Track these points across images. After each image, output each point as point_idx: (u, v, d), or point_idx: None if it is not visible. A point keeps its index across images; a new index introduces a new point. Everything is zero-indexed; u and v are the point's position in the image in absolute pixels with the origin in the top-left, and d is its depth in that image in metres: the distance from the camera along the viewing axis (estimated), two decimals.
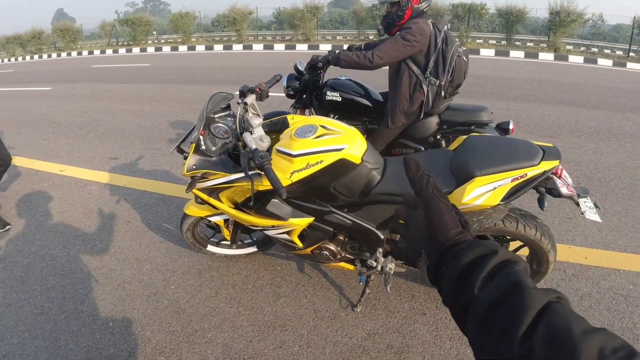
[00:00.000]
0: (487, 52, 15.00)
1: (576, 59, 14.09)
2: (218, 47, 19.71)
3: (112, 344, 2.26)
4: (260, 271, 2.74)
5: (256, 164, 1.69)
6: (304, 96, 3.49)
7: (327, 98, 3.26)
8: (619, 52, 16.69)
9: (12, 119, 7.73)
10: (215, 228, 2.73)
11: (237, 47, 19.26)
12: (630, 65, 13.53)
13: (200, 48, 20.12)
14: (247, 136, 1.83)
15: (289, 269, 2.74)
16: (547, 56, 14.46)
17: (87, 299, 2.61)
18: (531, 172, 1.78)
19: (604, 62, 13.80)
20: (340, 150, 1.85)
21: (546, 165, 1.79)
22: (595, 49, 17.21)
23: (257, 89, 2.09)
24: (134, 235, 3.26)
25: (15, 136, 6.44)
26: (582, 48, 17.42)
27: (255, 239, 2.80)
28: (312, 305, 2.43)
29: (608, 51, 16.98)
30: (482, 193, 1.77)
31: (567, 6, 15.77)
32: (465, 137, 2.09)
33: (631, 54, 15.75)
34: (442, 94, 2.80)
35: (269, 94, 2.22)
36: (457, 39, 2.84)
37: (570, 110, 6.72)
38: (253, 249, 2.80)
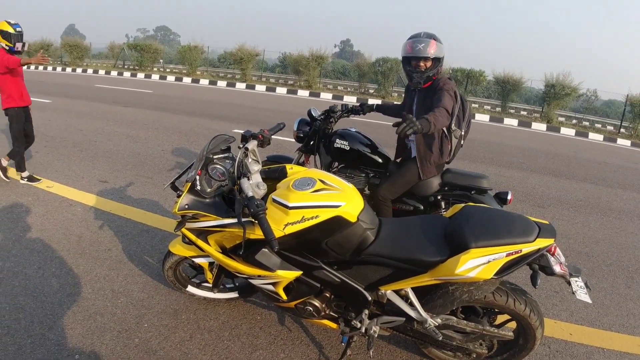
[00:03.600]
0: (482, 117, 15.41)
1: (568, 131, 14.52)
2: (222, 83, 20.06)
3: None
4: (238, 319, 2.64)
5: (251, 212, 1.66)
6: (312, 142, 3.54)
7: (335, 145, 3.33)
8: (609, 127, 17.26)
9: (6, 128, 7.65)
10: (198, 269, 2.66)
11: (240, 86, 19.62)
12: (621, 141, 13.98)
13: (204, 82, 20.44)
14: (244, 182, 1.81)
15: (268, 320, 2.65)
16: (539, 126, 14.88)
17: (56, 326, 2.48)
18: (526, 248, 1.76)
19: (595, 137, 14.23)
20: (337, 207, 1.83)
21: (541, 243, 1.78)
22: (587, 123, 17.78)
23: (260, 136, 2.09)
24: (113, 265, 3.16)
25: (7, 146, 6.35)
26: (574, 121, 18.00)
27: (237, 284, 2.71)
28: None
29: (599, 126, 17.56)
30: (476, 265, 1.74)
31: (563, 80, 16.40)
32: (462, 205, 2.09)
33: (622, 130, 16.29)
34: (462, 143, 3.04)
35: (271, 140, 2.22)
36: None
37: (561, 182, 6.84)
38: (234, 295, 2.72)
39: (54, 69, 25.19)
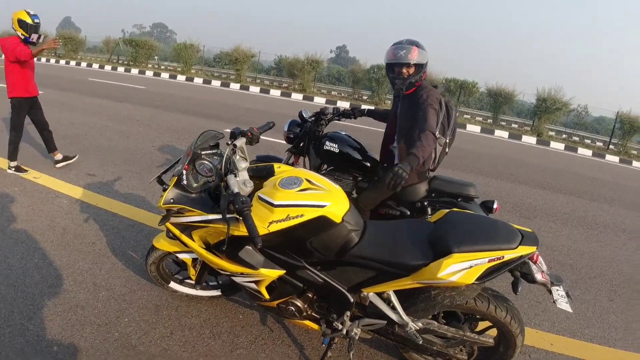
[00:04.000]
0: (473, 128, 15.52)
1: (557, 145, 14.68)
2: (216, 83, 20.00)
3: None
4: (220, 317, 2.62)
5: (236, 209, 1.66)
6: (302, 143, 3.54)
7: (325, 147, 3.31)
8: (599, 144, 17.49)
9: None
10: (182, 265, 2.64)
11: (235, 86, 19.58)
12: (609, 157, 14.16)
13: (199, 81, 20.36)
14: (231, 178, 1.81)
15: (250, 319, 2.63)
16: (529, 139, 15.03)
17: (36, 317, 2.45)
18: (508, 255, 1.78)
19: (584, 152, 14.40)
20: (322, 207, 1.83)
21: (524, 250, 1.80)
22: (577, 138, 17.99)
23: (249, 133, 2.08)
24: (96, 258, 3.13)
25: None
26: (564, 135, 18.20)
27: (220, 282, 2.70)
28: None
29: (589, 141, 17.78)
30: (458, 270, 1.75)
31: (554, 94, 16.59)
32: (446, 210, 2.10)
33: (611, 146, 16.50)
34: (447, 150, 3.01)
35: (260, 138, 2.22)
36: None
37: (548, 195, 6.90)
38: (217, 293, 2.70)
39: (48, 60, 24.95)
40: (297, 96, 18.21)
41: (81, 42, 26.63)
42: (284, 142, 3.69)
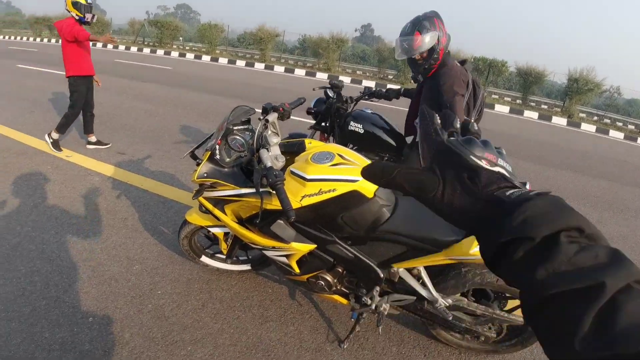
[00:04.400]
0: (502, 109, 15.17)
1: (588, 128, 14.24)
2: (240, 63, 19.99)
3: (89, 340, 2.18)
4: (250, 291, 2.68)
5: (269, 182, 1.67)
6: (326, 122, 3.48)
7: (349, 128, 3.24)
8: (631, 127, 16.89)
9: (27, 97, 7.78)
10: (213, 239, 2.69)
11: (259, 66, 19.53)
12: None
13: (223, 61, 20.39)
14: (263, 153, 1.81)
15: (279, 293, 2.68)
16: (560, 120, 14.61)
17: (71, 290, 2.54)
18: None
19: (616, 134, 13.94)
20: (354, 181, 1.83)
21: None
22: (608, 120, 17.43)
23: (281, 109, 2.08)
24: (129, 233, 3.21)
25: (28, 115, 6.47)
26: (595, 117, 17.64)
27: (250, 257, 2.74)
28: (298, 334, 2.36)
29: (620, 124, 17.20)
30: None
31: (587, 75, 16.04)
32: None
33: None
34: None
35: (291, 115, 2.22)
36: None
37: (578, 177, 6.73)
38: (247, 267, 2.75)
39: None
40: (321, 75, 18.07)
41: (107, 24, 26.96)
42: (311, 120, 3.68)
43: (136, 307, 2.45)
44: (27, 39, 28.37)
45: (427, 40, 2.58)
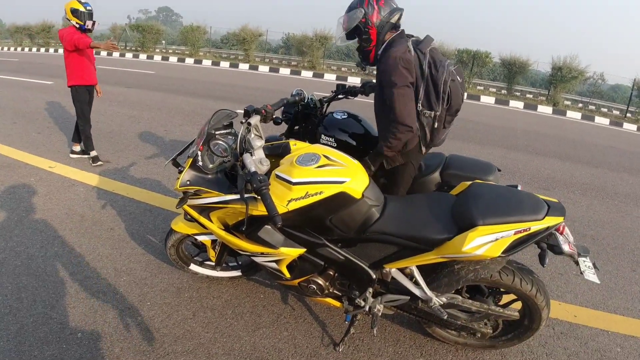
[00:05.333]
0: (487, 100, 15.25)
1: (574, 115, 14.37)
2: (224, 64, 19.88)
3: (78, 356, 2.13)
4: (241, 297, 2.63)
5: (253, 188, 1.62)
6: (296, 127, 3.06)
7: (322, 141, 2.83)
8: (615, 112, 17.07)
9: (9, 108, 7.63)
10: (201, 247, 2.64)
11: (244, 66, 19.45)
12: (627, 125, 13.84)
13: (207, 63, 20.26)
14: (247, 157, 1.77)
15: (271, 298, 2.64)
16: (545, 109, 14.72)
17: (58, 305, 2.48)
18: (535, 226, 1.72)
19: (601, 120, 14.09)
20: (341, 183, 1.79)
21: (550, 221, 1.74)
22: (593, 107, 17.58)
23: (263, 111, 2.03)
24: (116, 244, 3.15)
25: (10, 125, 6.34)
26: (580, 105, 17.80)
27: (240, 262, 2.70)
28: (292, 340, 2.31)
29: (605, 110, 17.36)
30: (483, 243, 1.71)
31: (570, 63, 16.17)
32: (469, 182, 2.05)
33: (628, 114, 16.10)
34: (442, 125, 2.36)
35: (274, 116, 2.18)
36: (447, 59, 2.32)
37: (566, 165, 6.77)
38: (237, 273, 2.70)
39: (56, 50, 25.00)
40: (306, 74, 18.03)
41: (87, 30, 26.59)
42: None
43: (125, 320, 2.39)
44: (8, 49, 27.96)
45: (348, 19, 2.28)
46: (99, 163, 4.86)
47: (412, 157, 2.46)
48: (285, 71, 18.52)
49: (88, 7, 4.50)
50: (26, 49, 27.09)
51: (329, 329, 2.42)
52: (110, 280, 2.73)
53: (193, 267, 2.70)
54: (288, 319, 2.48)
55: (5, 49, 28.34)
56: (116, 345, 2.21)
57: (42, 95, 9.20)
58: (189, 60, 20.76)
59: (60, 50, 24.49)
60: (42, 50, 25.71)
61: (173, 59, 21.13)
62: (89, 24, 4.52)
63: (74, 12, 4.45)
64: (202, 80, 13.45)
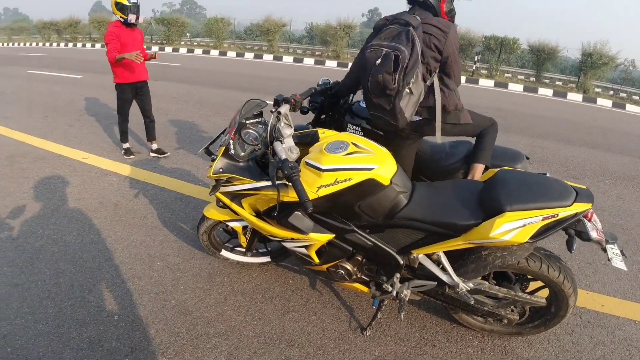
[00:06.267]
0: (516, 87, 14.95)
1: (604, 102, 13.97)
2: (249, 55, 20.00)
3: (115, 337, 2.23)
4: (271, 282, 2.70)
5: (285, 175, 1.67)
6: (323, 116, 3.05)
7: (348, 130, 2.84)
8: None
9: (41, 102, 7.90)
10: (232, 233, 2.72)
11: (268, 57, 19.52)
12: None
13: (232, 54, 20.41)
14: (277, 145, 1.82)
15: (300, 284, 2.70)
16: (575, 97, 14.35)
17: (95, 289, 2.59)
18: (563, 212, 1.72)
19: (633, 108, 13.65)
20: (370, 169, 1.83)
21: (578, 207, 1.74)
22: (624, 94, 17.03)
23: (292, 100, 2.08)
24: (149, 231, 3.26)
25: (42, 119, 6.57)
26: (611, 92, 17.26)
27: (270, 249, 2.77)
28: (320, 323, 2.38)
29: (637, 97, 16.78)
30: (510, 229, 1.72)
31: (600, 49, 15.69)
32: (496, 170, 2.05)
33: None
34: (420, 94, 2.27)
35: (303, 105, 2.22)
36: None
37: (596, 154, 6.62)
38: (266, 259, 2.78)
39: (84, 45, 25.58)
40: (331, 63, 17.98)
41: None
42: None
43: (160, 303, 2.49)
44: (37, 44, 28.75)
45: None
46: (132, 156, 4.95)
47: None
48: (309, 61, 18.50)
49: (132, 1, 4.41)
50: (54, 44, 27.79)
51: (357, 313, 2.47)
52: (145, 265, 2.84)
53: (224, 252, 2.78)
54: (316, 303, 2.54)
55: (34, 44, 29.15)
56: (151, 327, 2.31)
57: (71, 89, 9.47)
58: (214, 52, 20.95)
59: (88, 45, 25.09)
60: (70, 45, 26.34)
61: (198, 51, 21.36)
62: (131, 17, 4.41)
63: (118, 5, 4.36)
64: (227, 72, 13.58)
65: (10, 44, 31.77)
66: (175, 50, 21.78)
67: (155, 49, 21.89)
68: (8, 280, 2.66)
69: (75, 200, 3.76)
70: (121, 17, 4.41)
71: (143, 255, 2.96)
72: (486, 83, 14.55)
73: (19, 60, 17.77)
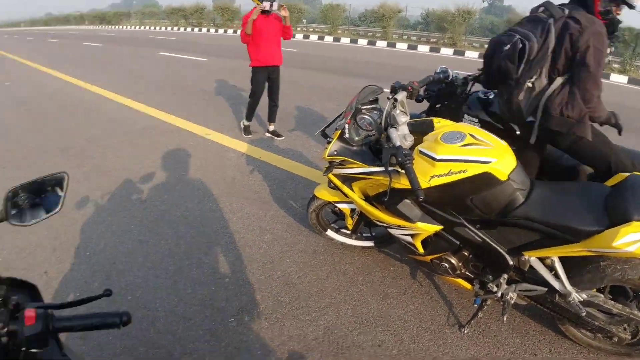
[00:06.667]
0: None
1: None
2: (362, 42, 20.00)
3: (225, 298, 2.45)
4: (372, 267, 2.76)
5: (398, 161, 1.69)
6: (438, 105, 3.00)
7: (465, 121, 2.75)
8: None
9: (169, 81, 8.74)
10: (339, 215, 2.81)
11: (381, 44, 19.35)
12: None
13: (345, 40, 20.59)
14: (392, 132, 1.84)
15: (401, 272, 2.72)
16: None
17: (211, 253, 2.87)
18: None
19: None
20: (487, 163, 1.78)
21: None
22: None
23: (409, 87, 2.07)
24: (261, 205, 3.50)
25: (171, 97, 7.29)
26: None
27: (374, 234, 2.81)
28: (418, 314, 2.38)
29: None
30: (636, 240, 1.57)
31: None
32: (627, 175, 1.88)
33: None
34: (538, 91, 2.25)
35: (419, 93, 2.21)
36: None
37: None
38: (370, 244, 2.83)
39: (208, 30, 27.60)
40: (446, 51, 17.30)
41: (236, 11, 28.72)
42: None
43: (267, 272, 2.68)
44: (165, 29, 31.60)
45: None
46: (249, 136, 5.25)
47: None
48: (423, 48, 17.97)
49: None
50: (181, 29, 30.32)
51: (456, 309, 2.43)
52: (256, 236, 3.06)
53: (330, 232, 2.89)
54: (415, 293, 2.54)
55: (163, 28, 32.06)
56: (257, 293, 2.50)
57: (197, 71, 10.33)
58: (328, 38, 21.29)
59: (212, 30, 26.98)
60: (196, 30, 28.54)
61: (313, 37, 21.87)
62: (266, 4, 4.43)
63: None
64: (340, 58, 13.74)
65: (142, 27, 35.32)
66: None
67: None
68: (135, 236, 3.06)
69: (198, 172, 4.15)
70: (256, 3, 4.52)
71: (255, 226, 3.19)
72: (618, 79, 12.97)
73: (150, 42, 19.73)
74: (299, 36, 22.28)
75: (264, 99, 5.18)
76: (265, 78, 5.01)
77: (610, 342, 2.10)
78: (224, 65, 10.99)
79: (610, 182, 1.94)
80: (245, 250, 2.90)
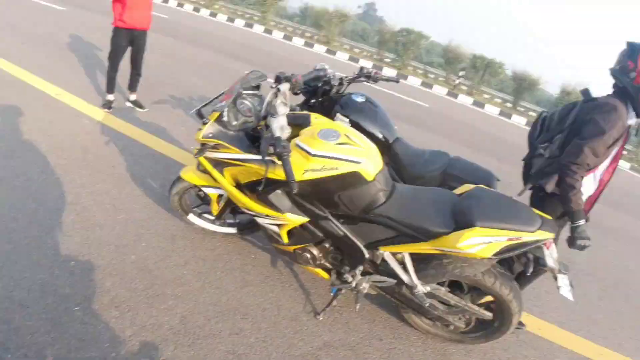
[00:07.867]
0: (492, 109, 15.29)
1: None
2: (239, 22, 19.48)
3: (69, 284, 2.21)
4: (233, 254, 2.72)
5: (276, 152, 1.69)
6: (313, 101, 3.07)
7: (336, 119, 2.85)
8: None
9: (19, 28, 7.49)
10: (204, 199, 2.71)
11: (258, 28, 19.08)
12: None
13: (222, 17, 19.82)
14: (273, 122, 1.83)
15: (261, 260, 2.74)
16: None
17: (54, 232, 2.54)
18: (527, 237, 1.84)
19: None
20: (357, 163, 1.88)
21: (541, 235, 1.86)
22: None
23: (294, 79, 2.08)
24: (116, 182, 3.20)
25: (19, 45, 6.22)
26: None
27: (238, 221, 2.78)
28: (277, 301, 2.43)
29: None
30: (477, 243, 1.82)
31: (579, 91, 16.21)
32: (473, 186, 2.15)
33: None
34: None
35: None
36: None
37: None
38: (233, 230, 2.79)
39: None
40: (319, 48, 17.72)
41: None
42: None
43: (119, 256, 2.47)
44: None
45: None
46: (110, 110, 4.60)
47: None
48: (298, 41, 18.17)
49: None
50: None
51: (313, 297, 2.54)
52: (108, 215, 2.80)
53: (191, 217, 2.78)
54: (275, 282, 2.58)
55: None
56: (107, 280, 2.29)
57: (52, 20, 9.00)
58: (204, 12, 20.27)
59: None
60: None
61: (188, 7, 20.62)
62: None
63: None
64: (216, 35, 13.16)
65: None
66: (164, 0, 20.97)
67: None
68: None
69: (44, 136, 3.62)
70: None
71: (107, 205, 2.91)
72: (465, 100, 14.85)
73: None
74: (172, 2, 20.84)
75: (126, 65, 4.69)
76: (128, 42, 4.50)
77: (446, 330, 2.42)
78: (85, 19, 9.74)
79: (459, 190, 2.19)
80: (95, 231, 2.63)
